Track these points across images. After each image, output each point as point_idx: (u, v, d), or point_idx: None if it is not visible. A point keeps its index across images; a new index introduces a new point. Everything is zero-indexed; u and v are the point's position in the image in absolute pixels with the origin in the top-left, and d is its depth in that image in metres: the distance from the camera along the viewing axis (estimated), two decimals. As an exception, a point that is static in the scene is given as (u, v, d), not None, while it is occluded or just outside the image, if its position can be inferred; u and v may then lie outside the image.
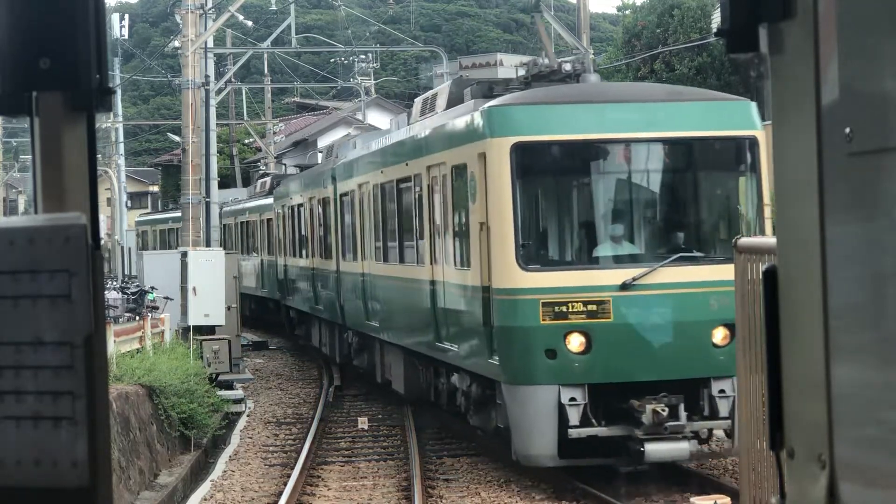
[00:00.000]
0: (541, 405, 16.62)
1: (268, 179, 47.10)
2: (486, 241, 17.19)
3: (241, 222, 48.96)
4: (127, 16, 61.27)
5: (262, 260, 44.66)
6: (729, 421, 16.58)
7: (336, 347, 30.82)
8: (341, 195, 28.35)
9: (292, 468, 20.03)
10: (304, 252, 34.09)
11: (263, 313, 46.47)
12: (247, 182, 64.86)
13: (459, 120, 18.74)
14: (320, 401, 27.59)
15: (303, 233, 34.34)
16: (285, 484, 18.77)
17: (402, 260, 22.65)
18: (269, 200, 42.60)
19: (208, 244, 32.61)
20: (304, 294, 34.41)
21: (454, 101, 20.43)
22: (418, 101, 23.47)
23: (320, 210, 31.17)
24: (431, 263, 20.22)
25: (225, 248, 47.97)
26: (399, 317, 23.01)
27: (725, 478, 17.92)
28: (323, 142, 56.30)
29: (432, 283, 20.12)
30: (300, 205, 34.72)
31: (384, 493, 18.45)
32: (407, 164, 21.81)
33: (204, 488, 19.60)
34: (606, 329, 16.56)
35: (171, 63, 61.90)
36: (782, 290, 2.34)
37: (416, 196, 21.27)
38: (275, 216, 40.72)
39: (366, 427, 24.13)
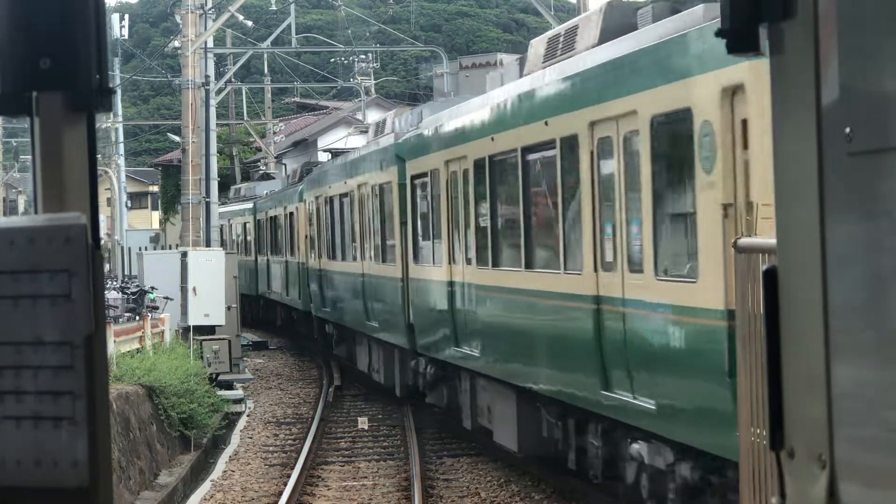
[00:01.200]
0: None
1: (298, 167, 41.37)
2: (740, 234, 10.60)
3: (271, 217, 42.48)
4: (127, 16, 61.27)
5: (286, 262, 38.35)
6: None
7: (397, 376, 24.36)
8: (413, 178, 21.66)
9: (292, 468, 20.04)
10: (349, 254, 27.74)
11: (293, 324, 40.04)
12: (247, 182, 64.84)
13: (668, 44, 12.05)
14: (320, 401, 27.60)
15: (348, 229, 27.89)
16: (285, 484, 18.77)
17: (528, 265, 16.03)
18: (297, 190, 36.51)
19: (208, 244, 32.61)
20: (348, 306, 27.87)
21: (615, 29, 14.22)
22: (538, 42, 16.93)
23: (376, 200, 24.60)
24: (596, 270, 13.78)
25: (258, 248, 45.51)
26: (519, 346, 16.50)
27: None
28: (323, 142, 56.27)
29: (597, 300, 13.75)
30: (344, 195, 28.23)
31: (384, 493, 18.45)
32: (546, 124, 15.05)
33: (204, 488, 19.61)
34: None
35: (171, 63, 61.90)
36: (782, 290, 2.34)
37: (565, 168, 14.66)
38: (304, 210, 34.20)
39: (366, 427, 24.13)
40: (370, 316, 25.36)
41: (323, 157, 48.71)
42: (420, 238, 21.68)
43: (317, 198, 31.90)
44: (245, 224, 49.02)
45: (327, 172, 30.94)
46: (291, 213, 36.79)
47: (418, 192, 21.66)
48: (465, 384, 19.82)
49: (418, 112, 23.40)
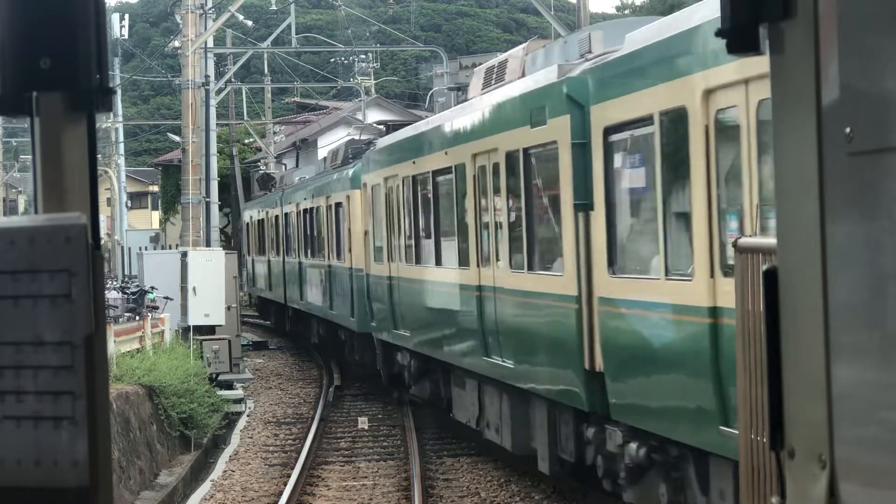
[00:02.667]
0: None
1: (340, 147, 32.51)
2: None
3: (304, 210, 34.51)
4: (127, 16, 61.27)
5: (329, 266, 30.41)
6: None
7: (543, 444, 15.94)
8: (609, 131, 13.29)
9: (292, 468, 20.04)
10: (451, 256, 19.12)
11: (339, 346, 31.24)
12: (247, 183, 64.72)
13: None
14: (320, 401, 27.59)
15: (451, 222, 19.10)
16: (285, 484, 18.77)
17: None
18: (346, 173, 28.46)
19: (208, 244, 32.62)
20: (445, 332, 19.39)
21: None
22: None
23: (516, 173, 15.94)
24: None
25: (286, 247, 37.96)
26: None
27: None
28: (323, 142, 56.19)
29: None
30: (442, 172, 19.34)
31: (384, 493, 18.45)
32: None
33: (204, 488, 19.61)
34: None
35: (171, 63, 61.92)
36: (782, 290, 2.34)
37: None
38: (363, 198, 25.77)
39: (366, 427, 24.13)
40: (492, 349, 17.07)
41: (323, 155, 46.71)
42: (625, 230, 13.46)
43: (386, 180, 23.00)
44: (276, 218, 40.77)
45: (409, 143, 21.72)
46: (338, 204, 28.80)
47: (621, 152, 13.34)
48: (723, 486, 11.49)
49: (581, 39, 15.63)
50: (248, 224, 50.26)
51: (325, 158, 35.51)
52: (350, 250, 27.50)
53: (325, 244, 30.94)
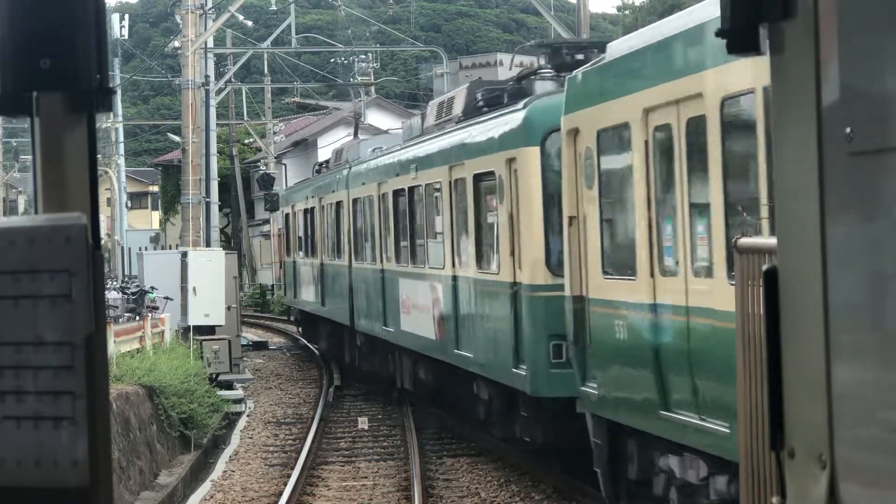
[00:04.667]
0: None
1: (457, 93, 21.50)
2: None
3: (395, 191, 23.93)
4: (127, 16, 61.29)
5: (453, 278, 19.86)
6: None
7: None
8: None
9: (292, 468, 20.03)
10: None
11: (453, 398, 21.84)
12: (247, 184, 64.68)
13: None
14: (320, 401, 27.58)
15: None
16: (285, 484, 18.77)
17: None
18: (502, 128, 17.41)
19: (208, 244, 32.61)
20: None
21: None
22: None
23: None
24: None
25: (354, 247, 27.79)
26: None
27: None
28: (323, 142, 56.16)
29: None
30: None
31: (384, 493, 18.45)
32: None
33: (204, 488, 19.61)
34: None
35: (171, 63, 61.92)
36: (782, 290, 2.34)
37: None
38: (540, 161, 16.30)
39: (366, 427, 24.13)
40: None
41: (324, 155, 42.81)
42: None
43: (647, 114, 12.41)
44: (336, 206, 29.97)
45: None
46: (479, 178, 18.50)
47: None
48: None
49: None
50: (288, 216, 38.60)
51: (419, 117, 24.59)
52: (513, 254, 16.91)
53: (443, 244, 20.51)
